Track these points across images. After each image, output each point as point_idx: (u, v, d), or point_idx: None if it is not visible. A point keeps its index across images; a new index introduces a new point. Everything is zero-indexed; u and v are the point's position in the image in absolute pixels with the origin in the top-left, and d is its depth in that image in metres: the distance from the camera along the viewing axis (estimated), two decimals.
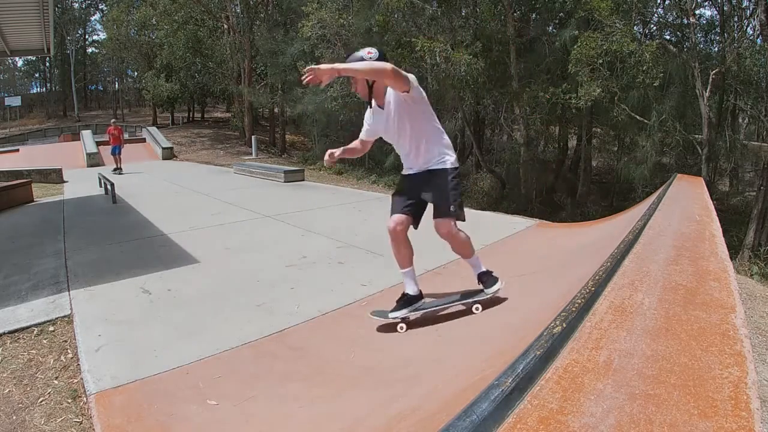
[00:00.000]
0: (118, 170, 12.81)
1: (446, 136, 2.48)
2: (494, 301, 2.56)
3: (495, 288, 2.53)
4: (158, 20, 22.37)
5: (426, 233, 2.52)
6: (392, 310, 2.47)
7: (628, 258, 1.84)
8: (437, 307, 2.55)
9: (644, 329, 1.23)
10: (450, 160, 2.41)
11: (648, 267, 1.72)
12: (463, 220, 2.43)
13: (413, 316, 2.53)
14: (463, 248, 2.49)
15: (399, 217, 2.43)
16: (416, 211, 2.46)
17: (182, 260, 3.98)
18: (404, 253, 2.47)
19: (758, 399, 0.90)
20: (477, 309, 2.53)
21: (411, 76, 2.26)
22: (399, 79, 2.17)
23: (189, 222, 5.56)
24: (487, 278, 2.54)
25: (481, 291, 2.55)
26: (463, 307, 2.57)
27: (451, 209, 2.34)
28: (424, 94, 2.37)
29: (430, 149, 2.40)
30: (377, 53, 2.29)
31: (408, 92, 2.23)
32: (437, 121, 2.46)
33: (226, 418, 1.82)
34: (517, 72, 13.30)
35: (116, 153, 12.95)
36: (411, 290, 2.49)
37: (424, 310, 2.52)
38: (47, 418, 1.94)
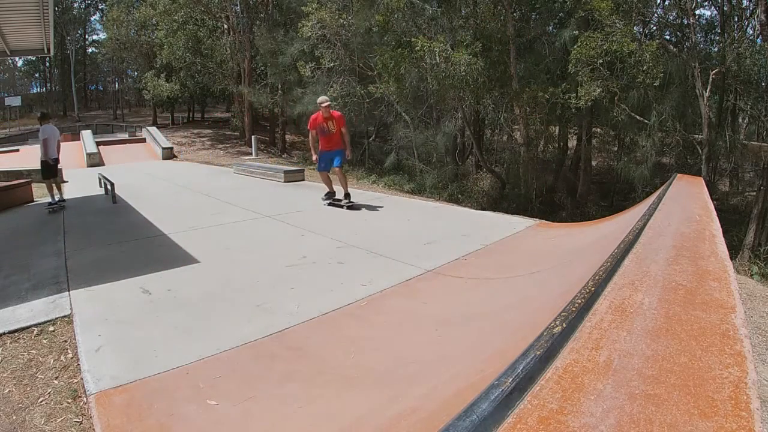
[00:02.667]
0: (331, 196, 6.62)
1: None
2: (495, 301, 2.56)
3: None
4: (158, 20, 22.35)
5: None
6: None
7: (628, 258, 1.83)
8: None
9: (644, 329, 1.23)
10: None
11: (648, 267, 1.72)
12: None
13: None
14: None
15: None
16: None
17: (182, 260, 3.98)
18: None
19: (758, 399, 0.90)
20: None
21: None
22: None
23: (189, 222, 5.56)
24: None
25: None
26: None
27: None
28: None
29: None
30: None
31: None
32: None
33: (226, 418, 1.82)
34: (517, 72, 13.29)
35: (338, 164, 6.28)
36: None
37: None
38: (47, 418, 1.94)
